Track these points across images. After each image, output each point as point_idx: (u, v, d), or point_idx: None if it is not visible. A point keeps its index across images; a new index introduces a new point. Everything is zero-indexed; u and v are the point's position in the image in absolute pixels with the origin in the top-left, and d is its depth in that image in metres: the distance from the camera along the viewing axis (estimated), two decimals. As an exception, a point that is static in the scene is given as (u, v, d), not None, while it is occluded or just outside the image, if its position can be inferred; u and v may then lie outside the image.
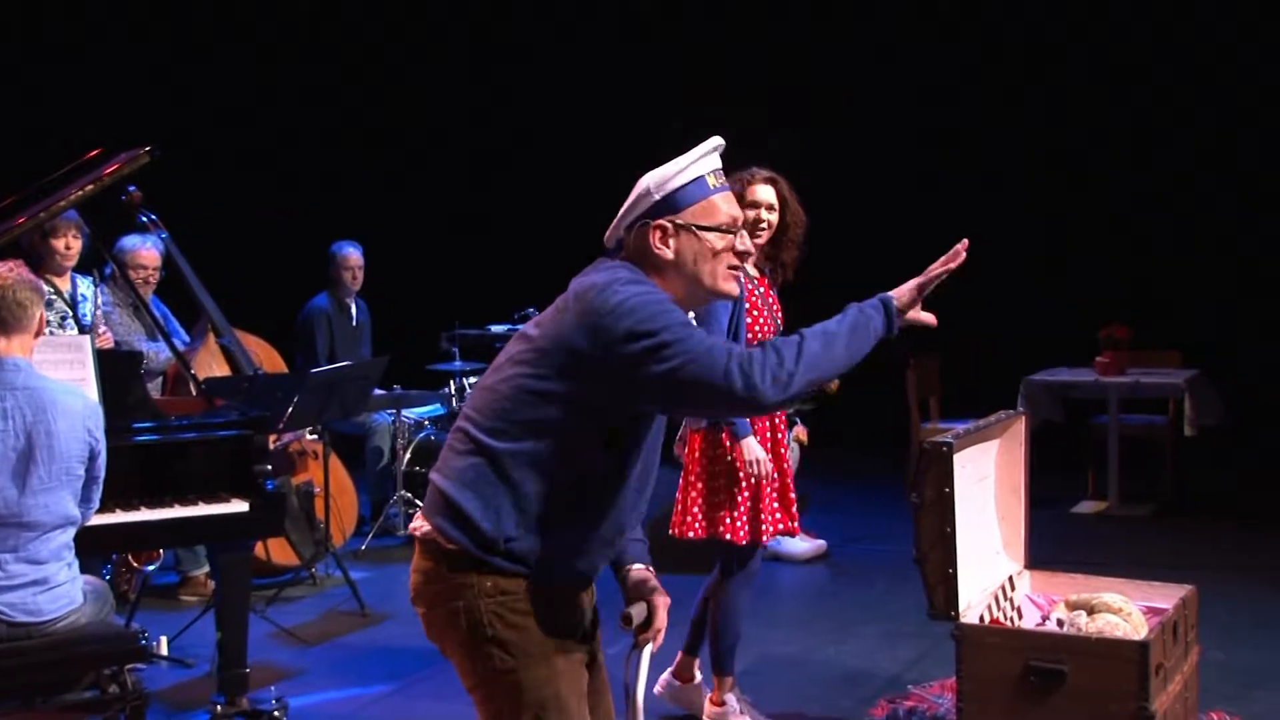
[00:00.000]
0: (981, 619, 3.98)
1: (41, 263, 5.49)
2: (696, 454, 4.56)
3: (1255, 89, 10.02)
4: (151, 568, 5.98)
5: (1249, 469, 9.36)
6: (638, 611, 2.83)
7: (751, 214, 4.47)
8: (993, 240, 10.12)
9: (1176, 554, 7.16)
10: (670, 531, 4.62)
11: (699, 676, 4.84)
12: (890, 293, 2.66)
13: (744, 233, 2.78)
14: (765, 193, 4.54)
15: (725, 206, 2.75)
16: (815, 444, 6.51)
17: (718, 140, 2.78)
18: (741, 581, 4.65)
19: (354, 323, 7.96)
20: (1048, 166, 10.65)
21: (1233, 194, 10.26)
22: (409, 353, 7.93)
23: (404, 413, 7.77)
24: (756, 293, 4.56)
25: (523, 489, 2.64)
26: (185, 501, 4.55)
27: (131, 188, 5.39)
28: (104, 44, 10.02)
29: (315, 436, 6.82)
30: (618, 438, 2.66)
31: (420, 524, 2.74)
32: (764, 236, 4.56)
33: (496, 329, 8.17)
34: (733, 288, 2.77)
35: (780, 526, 4.67)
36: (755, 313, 4.51)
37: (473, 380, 7.83)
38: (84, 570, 4.09)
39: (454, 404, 7.93)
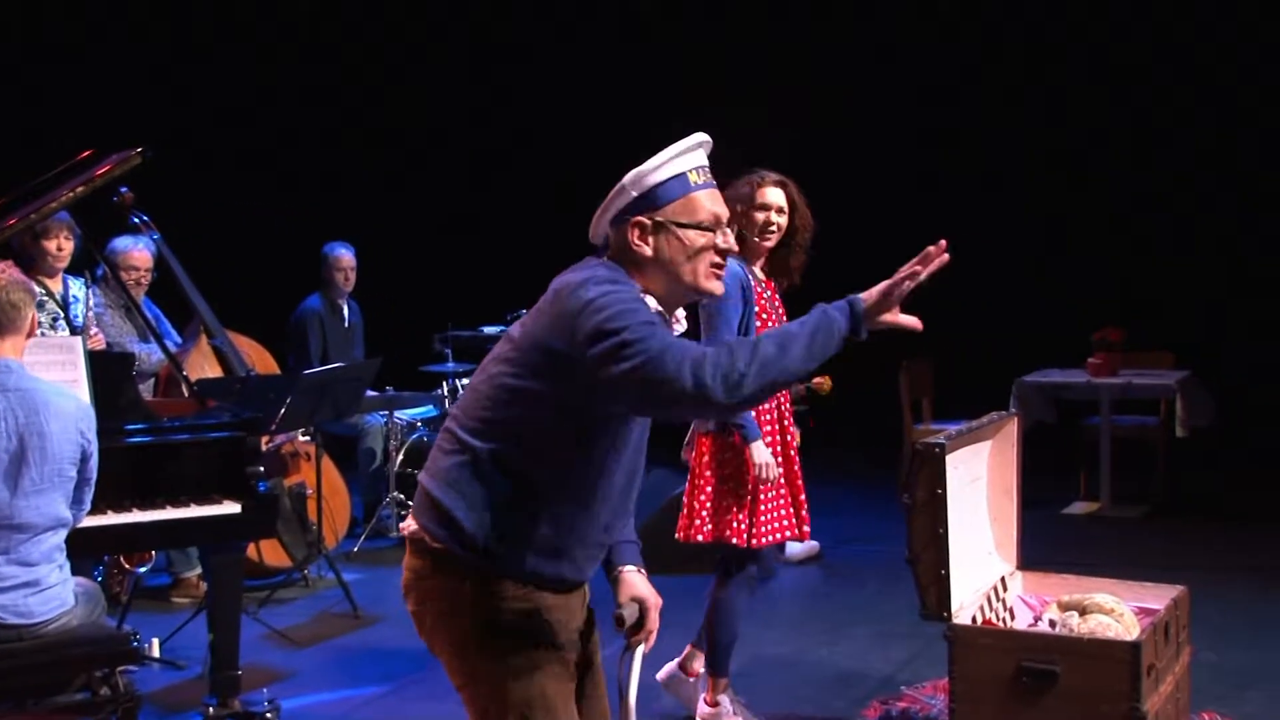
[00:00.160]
0: (974, 620, 3.97)
1: (33, 264, 5.49)
2: (706, 457, 4.55)
3: (1255, 89, 10.02)
4: (143, 569, 5.97)
5: (1240, 470, 9.35)
6: (630, 613, 2.83)
7: (761, 216, 4.48)
8: (991, 240, 10.17)
9: (1168, 555, 7.15)
10: (676, 535, 4.61)
11: (701, 673, 4.84)
12: (860, 295, 2.56)
13: (728, 231, 2.73)
14: (775, 195, 4.53)
15: (708, 204, 2.71)
16: (807, 445, 6.48)
17: (701, 136, 2.75)
18: (741, 584, 4.64)
19: (346, 324, 7.95)
20: (1047, 166, 10.65)
21: (1230, 194, 10.26)
22: (402, 354, 7.91)
23: (397, 414, 7.76)
24: (764, 295, 4.56)
25: (505, 488, 2.64)
26: (177, 503, 4.54)
27: (123, 189, 5.38)
28: (104, 44, 10.03)
29: (308, 438, 6.81)
30: (597, 438, 2.65)
31: (409, 523, 2.76)
32: (773, 239, 4.56)
33: (489, 330, 8.15)
34: (715, 286, 2.73)
35: (790, 533, 4.65)
36: (764, 315, 4.50)
37: (465, 381, 7.83)
38: (75, 572, 4.09)
39: (447, 405, 7.92)
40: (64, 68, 9.87)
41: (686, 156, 2.71)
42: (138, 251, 6.12)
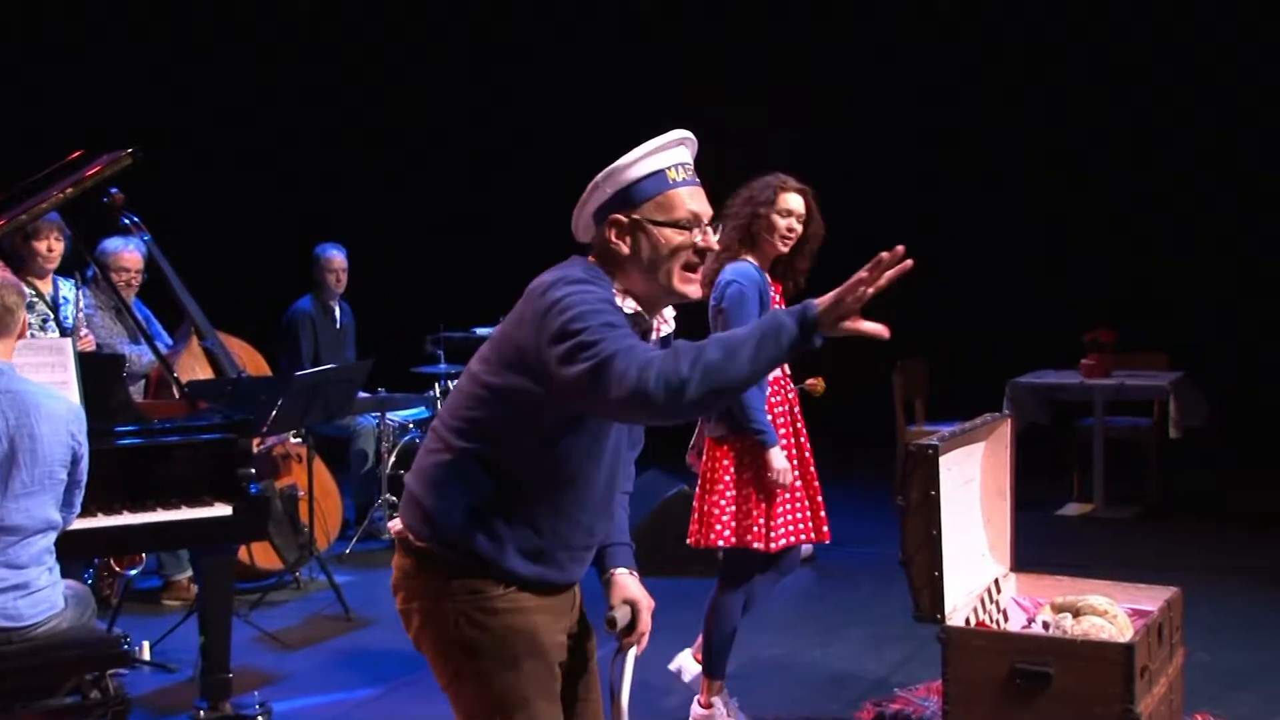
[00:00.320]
0: (967, 621, 3.97)
1: (23, 265, 5.49)
2: (726, 462, 4.54)
3: (1255, 89, 10.00)
4: (134, 572, 5.97)
5: (1233, 471, 9.34)
6: (622, 615, 2.83)
7: (783, 223, 4.50)
8: (990, 240, 10.16)
9: (1161, 556, 7.14)
10: (689, 541, 4.61)
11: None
12: (815, 300, 2.42)
13: (707, 230, 2.68)
14: (796, 202, 4.55)
15: (687, 201, 2.66)
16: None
17: (682, 133, 2.71)
18: (738, 587, 4.63)
19: (338, 325, 7.94)
20: (1047, 166, 10.63)
21: (1230, 195, 10.24)
22: (393, 355, 7.90)
23: (388, 416, 7.74)
24: (774, 299, 4.58)
25: (485, 488, 2.63)
26: (168, 505, 4.53)
27: (114, 190, 5.37)
28: (104, 44, 10.03)
29: (299, 440, 6.78)
30: (572, 439, 2.63)
31: (396, 523, 2.78)
32: (789, 245, 4.58)
33: (481, 331, 8.12)
34: (690, 289, 2.68)
35: (807, 535, 4.65)
36: None
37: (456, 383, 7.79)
38: (65, 574, 4.08)
39: (438, 407, 7.89)
40: (63, 67, 9.87)
41: (666, 153, 2.67)
42: (128, 253, 6.10)
